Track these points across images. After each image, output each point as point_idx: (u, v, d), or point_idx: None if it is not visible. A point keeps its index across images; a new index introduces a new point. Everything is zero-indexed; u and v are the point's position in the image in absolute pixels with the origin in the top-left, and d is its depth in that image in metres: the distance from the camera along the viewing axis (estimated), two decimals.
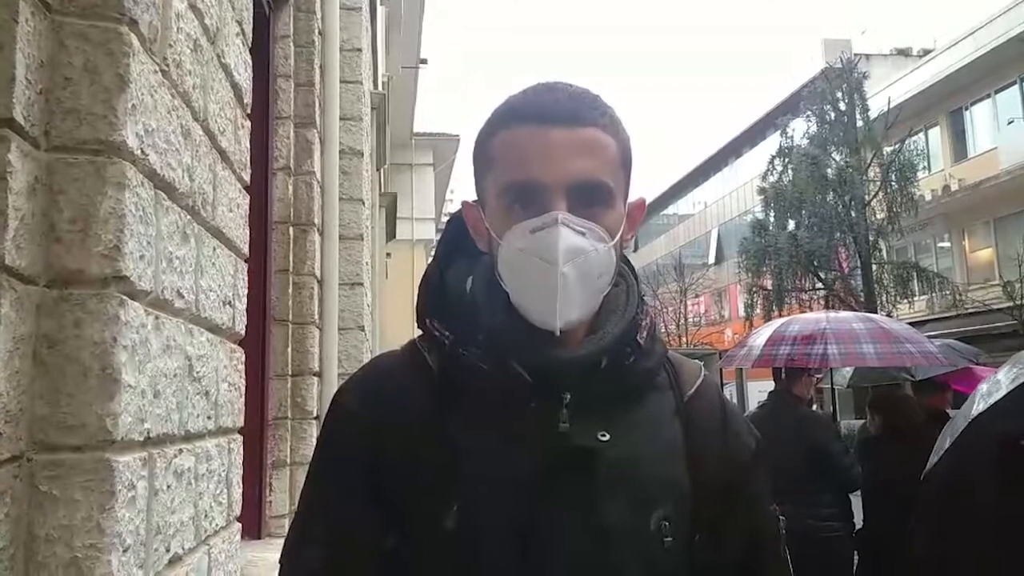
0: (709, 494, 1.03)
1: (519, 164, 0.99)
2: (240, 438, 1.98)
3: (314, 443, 3.79)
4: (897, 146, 20.51)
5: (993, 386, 1.85)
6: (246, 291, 2.04)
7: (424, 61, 12.27)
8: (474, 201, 1.09)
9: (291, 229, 3.90)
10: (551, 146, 0.98)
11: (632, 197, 1.09)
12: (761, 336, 5.38)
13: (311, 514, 1.07)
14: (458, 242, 1.13)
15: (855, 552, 4.66)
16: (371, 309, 6.14)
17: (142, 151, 1.27)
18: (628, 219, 1.07)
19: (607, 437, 0.99)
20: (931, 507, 1.92)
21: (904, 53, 27.52)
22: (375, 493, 1.00)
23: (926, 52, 25.17)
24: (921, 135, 22.27)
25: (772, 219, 22.63)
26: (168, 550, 1.40)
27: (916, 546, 1.95)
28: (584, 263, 0.98)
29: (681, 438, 1.06)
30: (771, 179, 22.39)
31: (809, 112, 22.01)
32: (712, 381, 1.16)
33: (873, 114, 20.75)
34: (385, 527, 0.99)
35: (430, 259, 1.17)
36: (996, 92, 20.73)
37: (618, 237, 1.02)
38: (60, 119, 1.17)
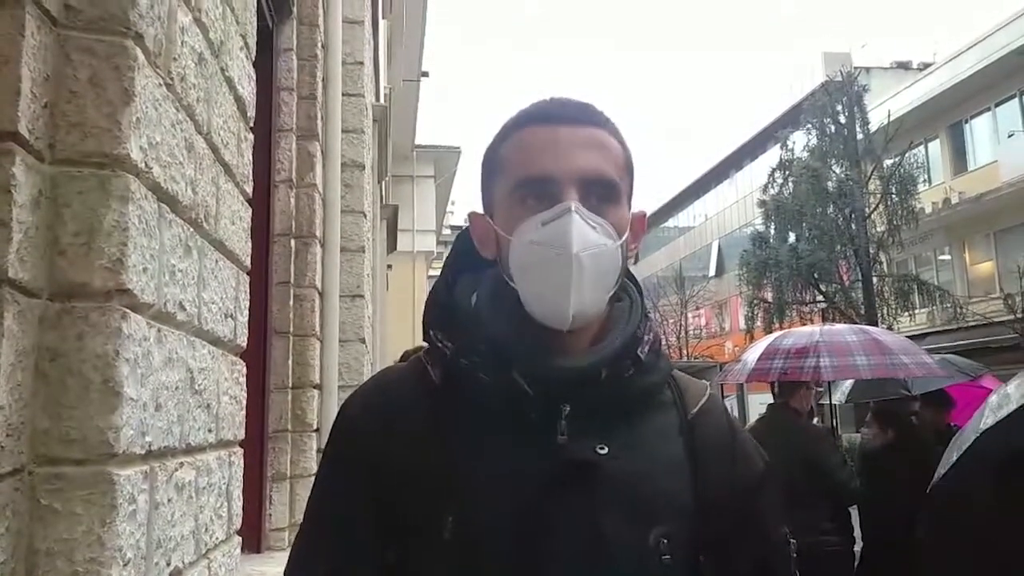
0: (716, 514, 1.02)
1: (529, 160, 1.01)
2: (241, 451, 1.98)
3: (314, 456, 3.76)
4: (897, 159, 20.51)
5: (1003, 399, 1.84)
6: (248, 304, 2.04)
7: (426, 74, 12.35)
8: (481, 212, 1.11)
9: (292, 241, 3.90)
10: (560, 141, 1.01)
11: (633, 209, 1.09)
12: (755, 351, 5.36)
13: (314, 525, 1.08)
14: (465, 258, 1.13)
15: (854, 567, 4.62)
16: (372, 321, 6.13)
17: (146, 164, 1.27)
18: (631, 230, 1.07)
19: (606, 450, 0.98)
20: (937, 519, 1.92)
21: (904, 66, 27.60)
22: (377, 503, 1.00)
23: (926, 65, 25.25)
24: (921, 148, 22.30)
25: (773, 232, 22.64)
26: (169, 564, 1.39)
27: (923, 557, 1.95)
28: (597, 256, 0.98)
29: (685, 456, 1.05)
30: (772, 192, 22.42)
31: (809, 125, 22.06)
32: (718, 401, 1.15)
33: (873, 127, 20.80)
34: (386, 537, 0.99)
35: (431, 272, 1.17)
36: (996, 105, 20.78)
37: (624, 239, 1.03)
38: (65, 132, 1.17)
